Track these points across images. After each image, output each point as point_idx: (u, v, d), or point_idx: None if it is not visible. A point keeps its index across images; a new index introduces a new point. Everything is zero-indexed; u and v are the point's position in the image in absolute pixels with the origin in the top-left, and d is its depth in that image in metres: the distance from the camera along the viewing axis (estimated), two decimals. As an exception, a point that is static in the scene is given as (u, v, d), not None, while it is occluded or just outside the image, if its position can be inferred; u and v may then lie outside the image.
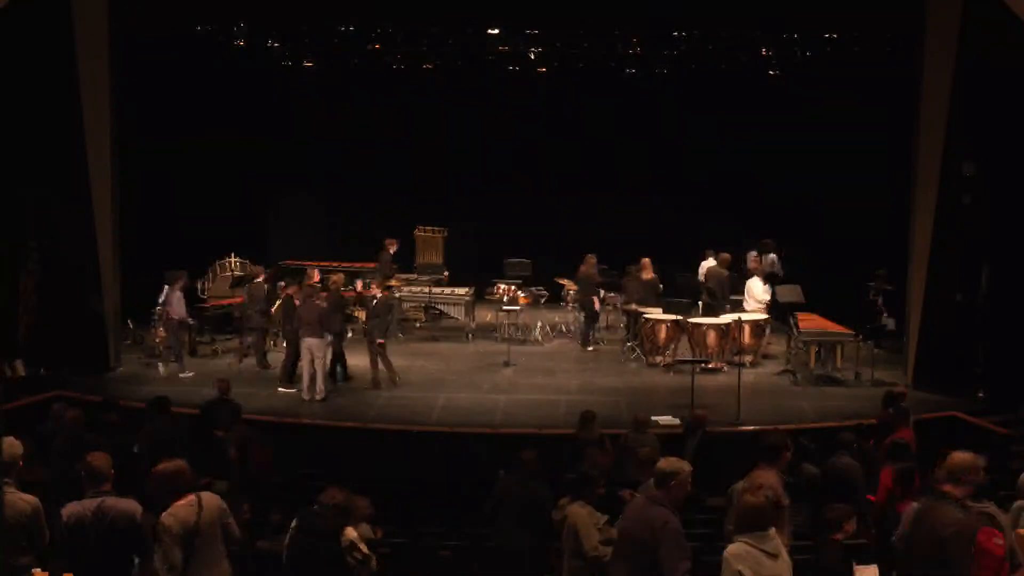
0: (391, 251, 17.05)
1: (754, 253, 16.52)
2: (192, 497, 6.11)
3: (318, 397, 13.15)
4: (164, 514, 6.00)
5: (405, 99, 18.72)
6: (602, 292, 16.27)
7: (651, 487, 8.29)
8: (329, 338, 13.37)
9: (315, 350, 13.10)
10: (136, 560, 6.14)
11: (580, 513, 6.89)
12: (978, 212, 13.08)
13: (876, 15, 15.26)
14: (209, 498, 6.20)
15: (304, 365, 13.24)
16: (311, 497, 6.78)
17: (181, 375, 14.12)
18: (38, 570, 6.10)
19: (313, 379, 13.17)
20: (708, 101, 18.22)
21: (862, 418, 11.12)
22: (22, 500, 6.11)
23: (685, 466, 6.01)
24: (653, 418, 11.89)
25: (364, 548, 6.50)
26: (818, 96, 17.32)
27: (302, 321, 13.25)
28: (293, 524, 6.60)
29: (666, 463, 6.02)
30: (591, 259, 16.00)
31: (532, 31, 17.64)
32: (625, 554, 5.99)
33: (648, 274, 15.69)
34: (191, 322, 14.98)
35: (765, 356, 15.36)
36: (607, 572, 6.35)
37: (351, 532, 6.49)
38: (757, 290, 15.16)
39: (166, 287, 15.34)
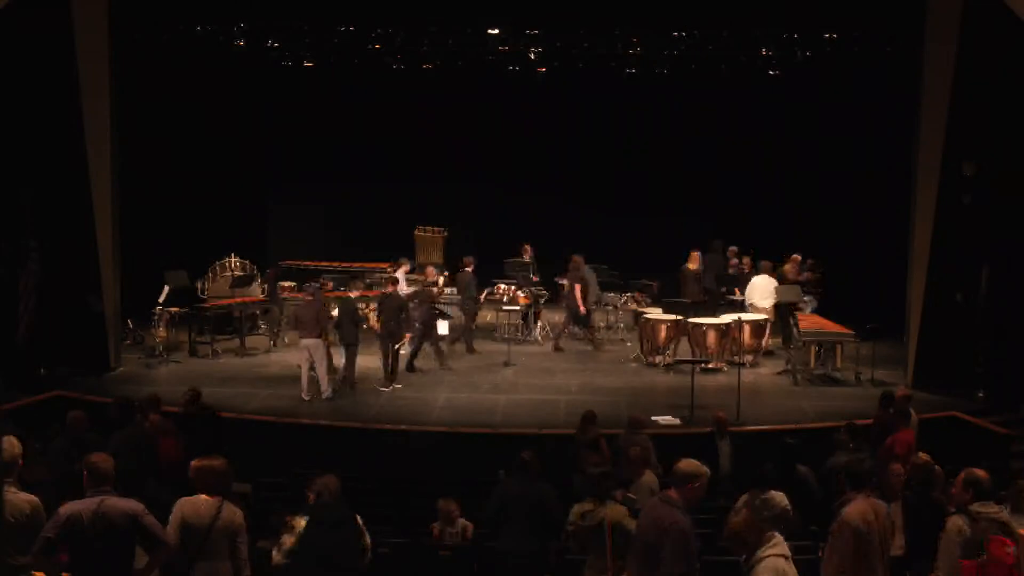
0: (526, 257, 17.10)
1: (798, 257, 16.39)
2: (217, 500, 6.19)
3: (323, 397, 13.16)
4: (183, 499, 6.19)
5: (405, 99, 18.72)
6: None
7: (647, 484, 8.37)
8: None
9: (314, 351, 13.11)
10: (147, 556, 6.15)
11: (621, 511, 6.89)
12: (978, 212, 13.08)
13: (876, 15, 15.27)
14: (231, 509, 6.28)
15: (303, 365, 13.24)
16: (294, 492, 6.84)
17: None
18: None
19: (312, 379, 13.17)
20: (708, 101, 18.22)
21: (863, 418, 11.11)
22: (22, 500, 6.11)
23: (704, 470, 6.01)
24: (653, 418, 11.90)
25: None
26: (818, 96, 17.32)
27: (300, 322, 13.25)
28: (302, 523, 6.60)
29: (686, 465, 6.01)
30: (796, 258, 16.00)
31: (532, 31, 17.64)
32: (638, 552, 6.02)
33: (694, 265, 16.05)
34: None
35: (768, 353, 15.40)
36: (626, 569, 6.36)
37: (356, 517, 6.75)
38: (769, 288, 15.17)
39: (166, 287, 15.39)
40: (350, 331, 13.48)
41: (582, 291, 15.48)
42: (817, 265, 16.51)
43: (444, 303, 17.02)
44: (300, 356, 13.31)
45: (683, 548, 5.72)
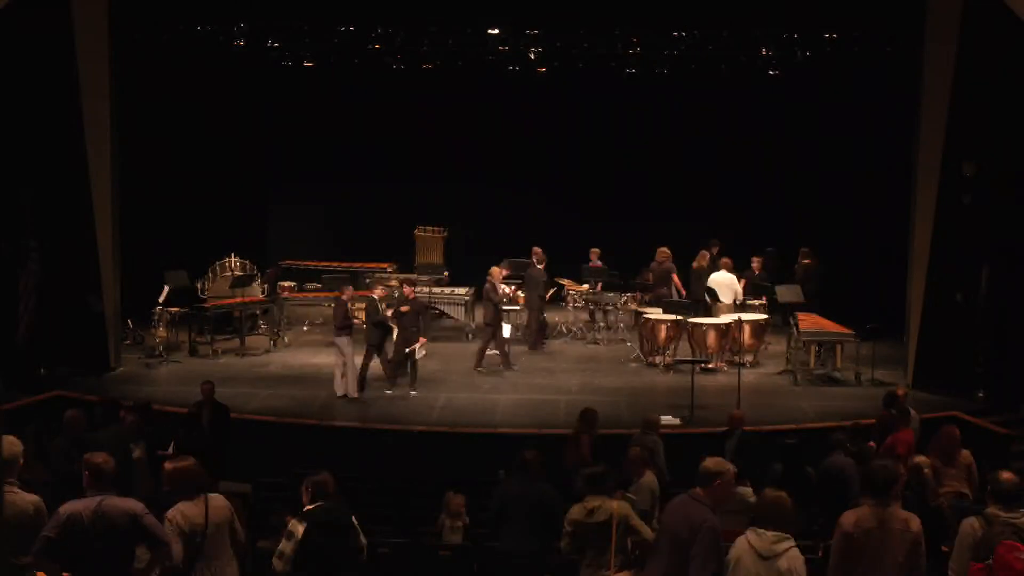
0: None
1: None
2: (201, 498, 6.17)
3: (352, 394, 13.32)
4: (171, 510, 6.12)
5: (405, 99, 18.71)
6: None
7: (647, 484, 8.36)
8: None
9: (344, 348, 13.30)
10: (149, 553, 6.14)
11: (626, 507, 6.90)
12: (978, 212, 13.09)
13: (876, 15, 15.27)
14: (217, 500, 6.27)
15: (337, 363, 13.37)
16: (294, 492, 6.82)
17: None
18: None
19: (344, 377, 13.35)
20: (708, 101, 18.21)
21: (862, 418, 11.12)
22: (25, 500, 6.10)
23: (729, 467, 6.00)
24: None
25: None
26: (818, 96, 17.32)
27: (336, 321, 13.46)
28: (301, 527, 6.56)
29: (711, 463, 6.00)
30: (806, 250, 16.24)
31: (532, 31, 17.62)
32: (663, 549, 6.01)
33: (703, 263, 16.24)
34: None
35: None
36: (647, 566, 6.34)
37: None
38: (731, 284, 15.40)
39: (166, 287, 15.40)
40: (372, 332, 13.59)
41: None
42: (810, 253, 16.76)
43: (444, 302, 17.08)
44: (338, 355, 13.37)
45: (716, 547, 5.74)
